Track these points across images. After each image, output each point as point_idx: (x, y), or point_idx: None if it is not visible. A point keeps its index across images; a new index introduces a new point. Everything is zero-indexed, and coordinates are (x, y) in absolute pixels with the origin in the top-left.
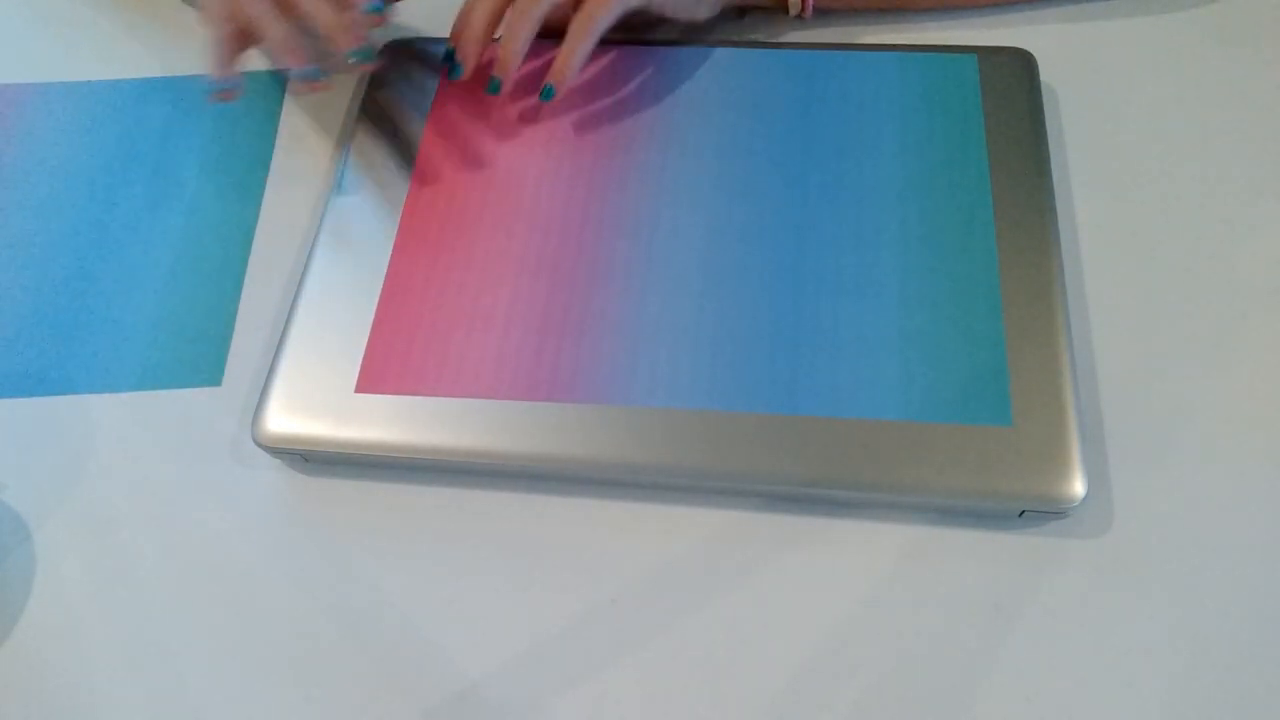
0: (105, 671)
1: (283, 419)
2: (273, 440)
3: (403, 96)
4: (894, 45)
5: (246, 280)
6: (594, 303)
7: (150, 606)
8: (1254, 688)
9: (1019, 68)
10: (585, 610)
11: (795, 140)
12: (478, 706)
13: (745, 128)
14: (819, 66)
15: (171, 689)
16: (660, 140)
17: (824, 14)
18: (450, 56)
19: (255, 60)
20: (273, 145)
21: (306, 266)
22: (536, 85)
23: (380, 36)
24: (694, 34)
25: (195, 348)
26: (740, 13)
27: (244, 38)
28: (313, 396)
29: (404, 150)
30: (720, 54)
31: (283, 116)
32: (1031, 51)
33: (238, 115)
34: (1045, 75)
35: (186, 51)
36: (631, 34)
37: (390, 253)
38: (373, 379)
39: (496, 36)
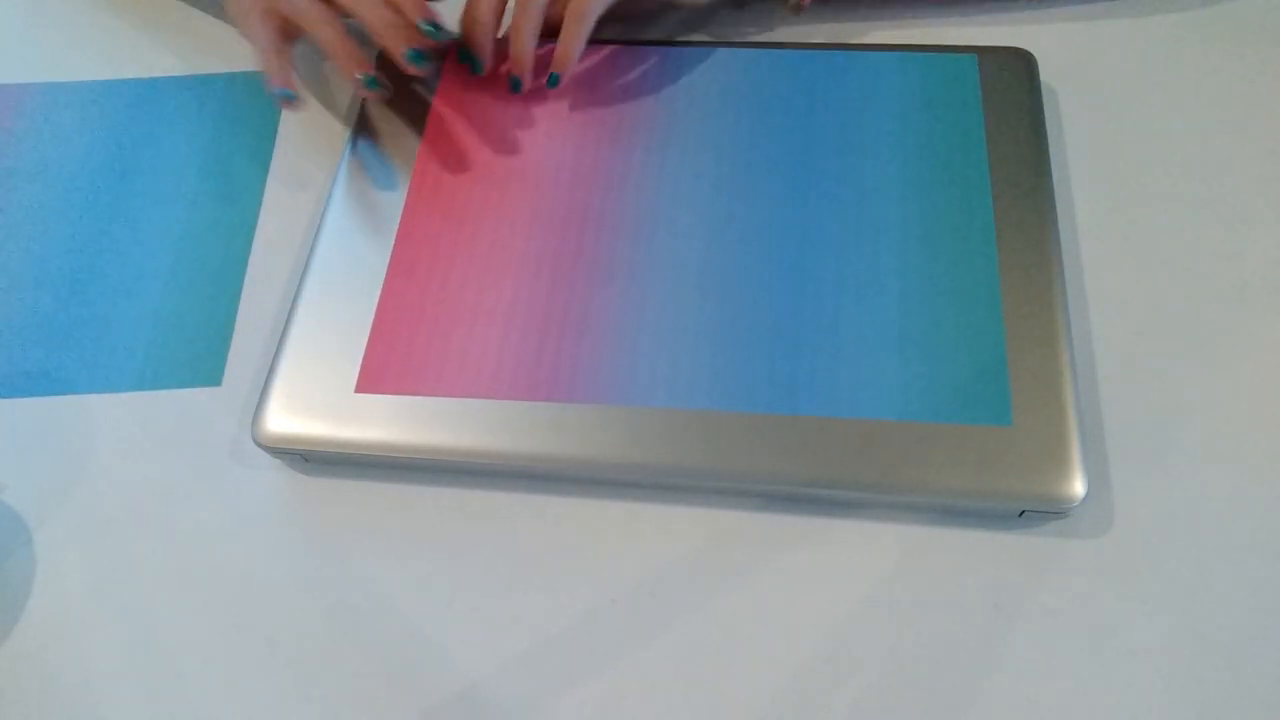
0: (105, 671)
1: (283, 419)
2: (273, 440)
3: (403, 96)
4: (894, 45)
5: (246, 280)
6: (594, 303)
7: (150, 606)
8: (1254, 688)
9: (1019, 68)
10: (585, 610)
11: (795, 140)
12: (478, 706)
13: (745, 128)
14: (819, 66)
15: (171, 689)
16: (660, 140)
17: (823, 3)
18: (467, 55)
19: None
20: (273, 145)
21: (306, 266)
22: (535, 87)
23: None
24: (694, 25)
25: (195, 348)
26: (738, 1)
27: (287, 33)
28: (313, 397)
29: (404, 150)
30: (720, 54)
31: (283, 116)
32: (1031, 51)
33: (238, 115)
34: (1045, 75)
35: (187, 51)
36: (633, 24)
37: (390, 252)
38: (373, 379)
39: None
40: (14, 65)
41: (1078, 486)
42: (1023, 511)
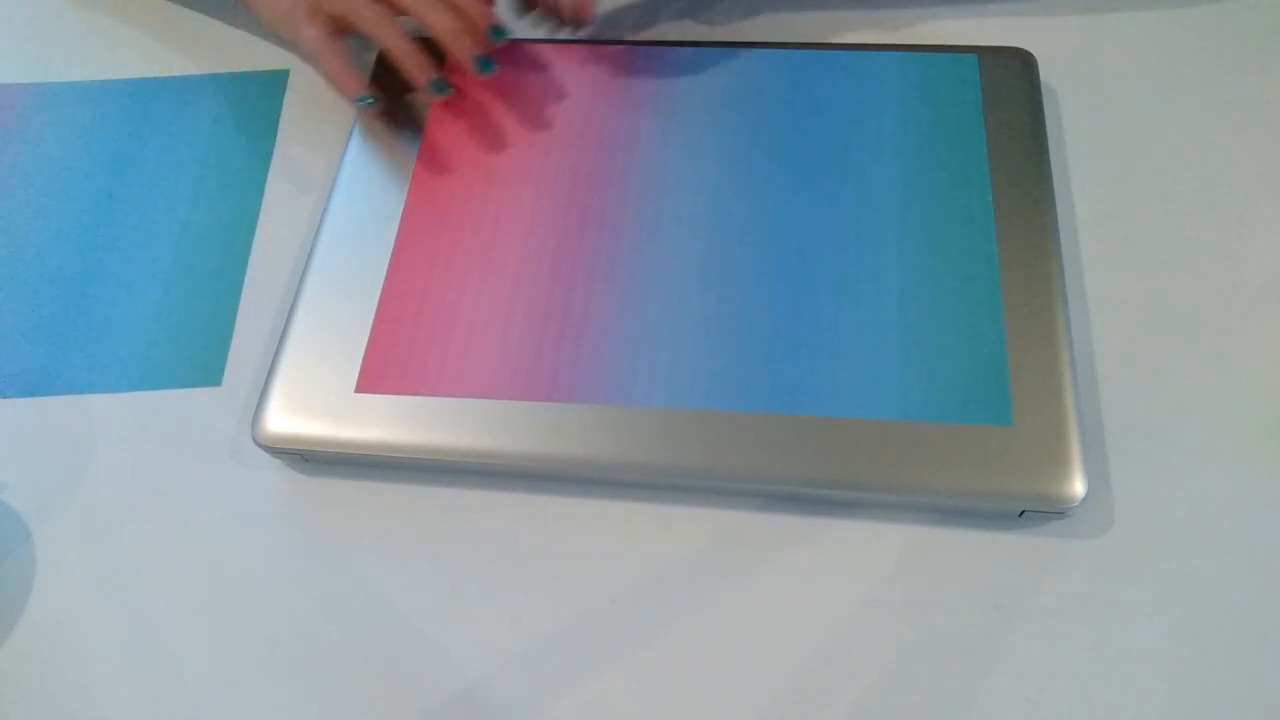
0: (105, 671)
1: (283, 419)
2: (273, 440)
3: (402, 96)
4: (894, 45)
5: (246, 280)
6: (594, 303)
7: (150, 606)
8: (1254, 687)
9: (1019, 68)
10: (585, 610)
11: (795, 140)
12: (478, 706)
13: (745, 127)
14: (819, 66)
15: (171, 689)
16: (660, 140)
17: None
18: (433, 85)
19: (255, 59)
20: (273, 145)
21: (306, 266)
22: (536, 86)
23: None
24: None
25: (195, 348)
26: None
27: (334, 32)
28: (313, 397)
29: (404, 150)
30: (720, 54)
31: (283, 116)
32: (1031, 51)
33: (238, 115)
34: (1045, 75)
35: (187, 51)
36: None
37: (390, 253)
38: (372, 379)
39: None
40: (14, 65)
41: (1078, 486)
42: (1023, 511)
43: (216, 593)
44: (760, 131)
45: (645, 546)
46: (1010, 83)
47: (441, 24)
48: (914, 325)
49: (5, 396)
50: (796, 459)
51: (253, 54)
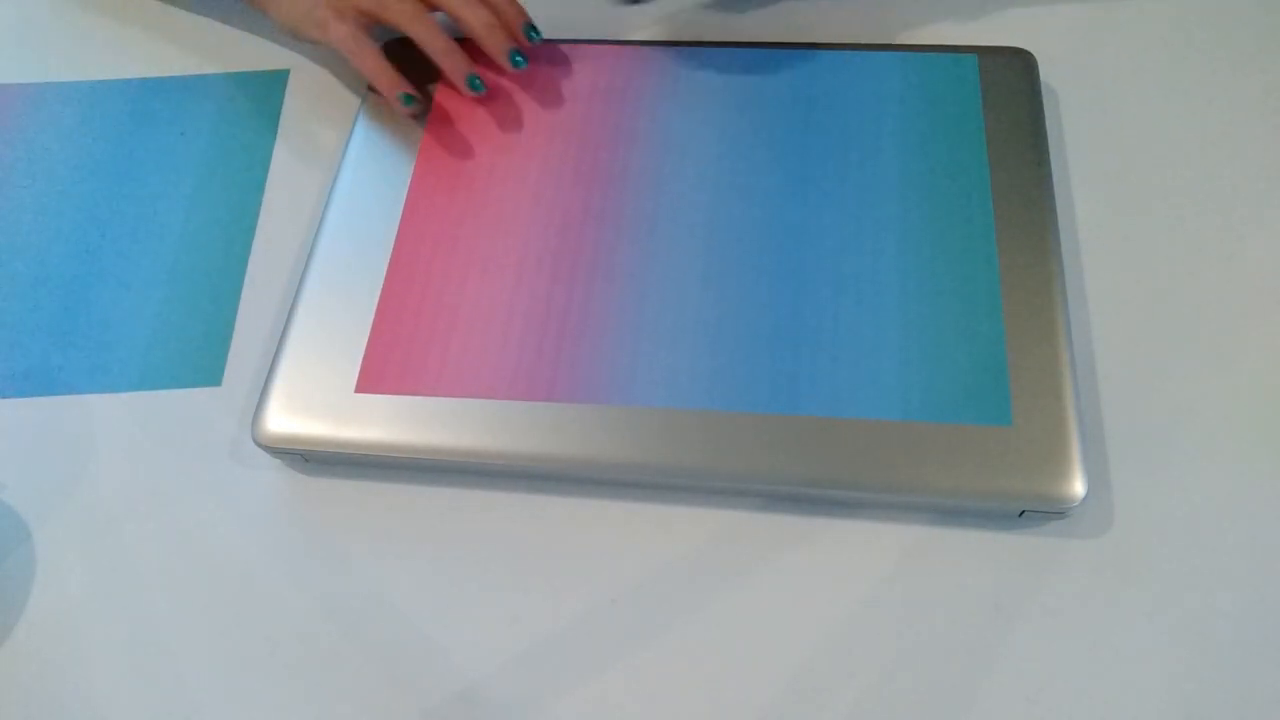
0: (105, 671)
1: (283, 419)
2: (273, 440)
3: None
4: (894, 45)
5: (246, 280)
6: (594, 303)
7: (150, 606)
8: (1254, 687)
9: (1019, 68)
10: (585, 610)
11: (796, 140)
12: (478, 706)
13: (745, 127)
14: (819, 66)
15: (171, 689)
16: (660, 140)
17: None
18: (471, 82)
19: (255, 59)
20: (273, 145)
21: (306, 267)
22: (536, 86)
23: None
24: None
25: (195, 348)
26: None
27: (368, 26)
28: (313, 397)
29: (404, 150)
30: (720, 54)
31: (283, 116)
32: (1031, 51)
33: (238, 115)
34: (1045, 75)
35: (187, 51)
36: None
37: (390, 253)
38: (373, 379)
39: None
40: (13, 65)
41: (1078, 486)
42: (1023, 511)
43: (216, 593)
44: (760, 131)
45: (645, 546)
46: (1010, 83)
47: (477, 19)
48: (914, 325)
49: (5, 396)
50: (796, 459)
51: (253, 54)
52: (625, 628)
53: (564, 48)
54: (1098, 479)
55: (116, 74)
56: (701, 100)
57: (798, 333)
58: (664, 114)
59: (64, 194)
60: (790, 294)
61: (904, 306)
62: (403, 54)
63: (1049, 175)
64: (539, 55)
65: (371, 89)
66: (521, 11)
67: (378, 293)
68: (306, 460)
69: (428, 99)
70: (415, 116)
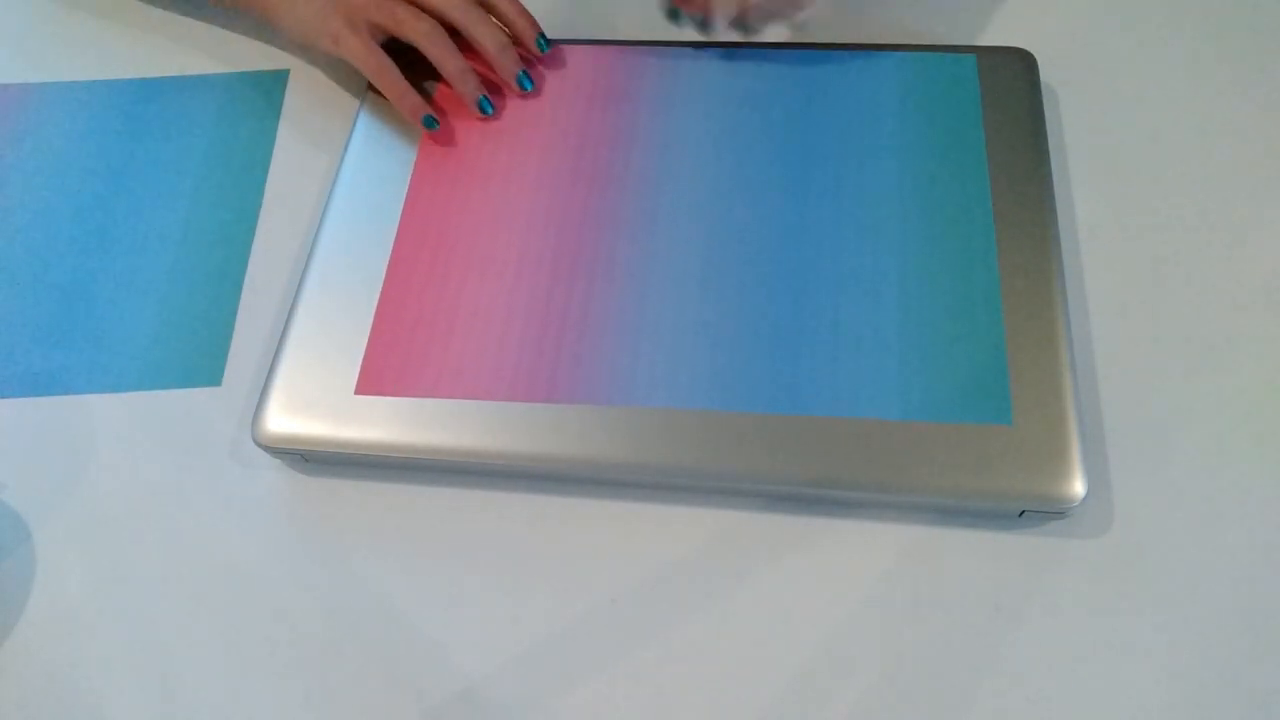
0: (105, 671)
1: (283, 419)
2: (273, 440)
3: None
4: (893, 45)
5: (246, 280)
6: (593, 304)
7: (150, 606)
8: (1254, 687)
9: (1019, 68)
10: (585, 610)
11: (795, 140)
12: (478, 706)
13: (745, 127)
14: (818, 67)
15: (171, 689)
16: (659, 140)
17: None
18: (483, 104)
19: (255, 59)
20: (273, 145)
21: (306, 267)
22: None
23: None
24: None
25: (195, 348)
26: None
27: (379, 38)
28: (312, 397)
29: (403, 151)
30: (720, 54)
31: (283, 116)
32: (1031, 51)
33: (238, 115)
34: (1045, 75)
35: (187, 51)
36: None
37: (389, 254)
38: (372, 381)
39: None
40: (14, 65)
41: (1078, 486)
42: (1023, 511)
43: (216, 593)
44: (760, 131)
45: (645, 546)
46: (1010, 83)
47: (492, 41)
48: (914, 324)
49: (5, 396)
50: (796, 459)
51: (253, 54)
52: (625, 628)
53: (564, 48)
54: (1098, 479)
55: (117, 74)
56: (700, 100)
57: (797, 332)
58: (663, 114)
59: (64, 194)
60: (789, 294)
61: (904, 306)
62: (398, 51)
63: (1049, 175)
64: (540, 56)
65: (372, 89)
66: (534, 24)
67: (377, 294)
68: (306, 460)
69: (427, 98)
70: (432, 130)
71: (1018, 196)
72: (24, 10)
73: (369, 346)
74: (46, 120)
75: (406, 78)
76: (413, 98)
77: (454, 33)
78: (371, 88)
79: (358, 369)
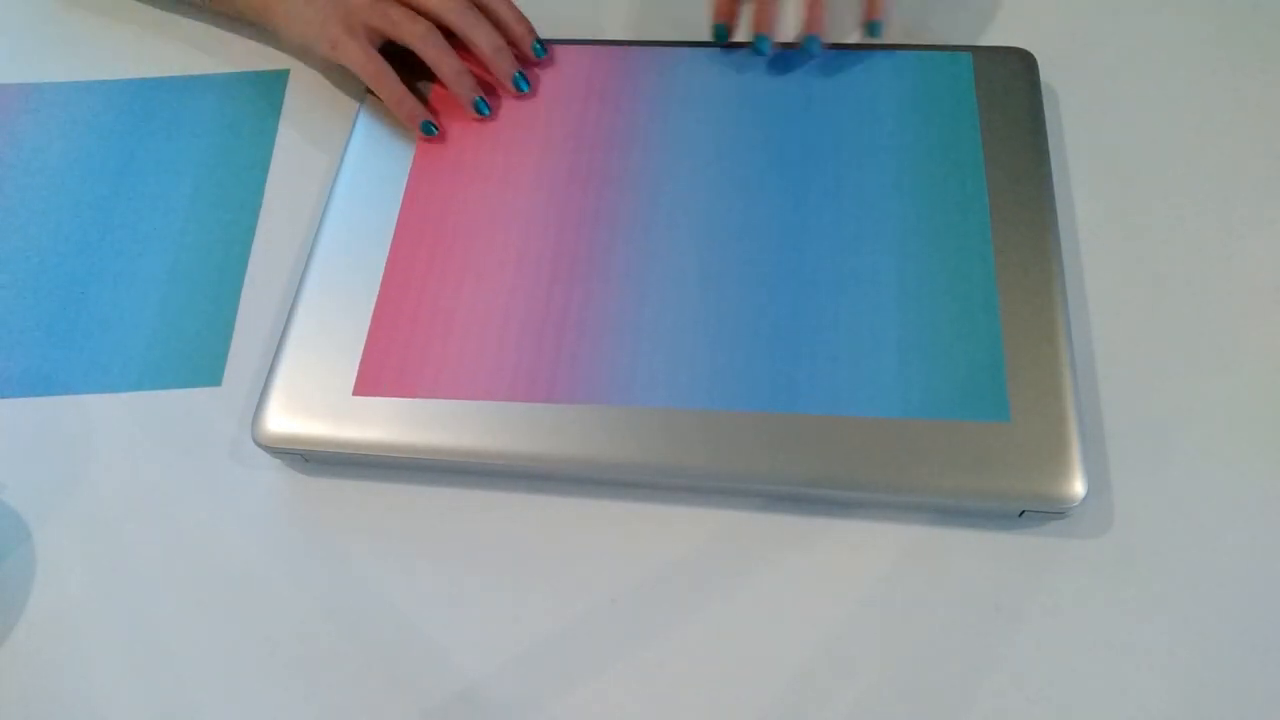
0: (105, 671)
1: (282, 419)
2: (272, 440)
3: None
4: (894, 45)
5: (246, 280)
6: (590, 303)
7: (150, 606)
8: (1254, 687)
9: (1019, 68)
10: (585, 610)
11: (792, 139)
12: (478, 706)
13: (742, 127)
14: (815, 66)
15: (171, 689)
16: (657, 140)
17: None
18: (479, 105)
19: (255, 59)
20: (273, 145)
21: (306, 267)
22: (534, 86)
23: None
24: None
25: (195, 348)
26: None
27: (376, 42)
28: (312, 397)
29: (403, 151)
30: (717, 54)
31: (283, 116)
32: (1031, 51)
33: (238, 115)
34: (1045, 75)
35: (187, 51)
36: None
37: (387, 255)
38: (371, 382)
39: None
40: (14, 65)
41: (1078, 486)
42: (1023, 511)
43: (216, 593)
44: (757, 131)
45: (645, 546)
46: (1010, 83)
47: (487, 42)
48: (910, 322)
49: (5, 396)
50: (795, 458)
51: (253, 54)
52: (625, 628)
53: (561, 48)
54: (1098, 479)
55: (117, 74)
56: (698, 100)
57: (794, 331)
58: (660, 114)
59: (64, 194)
60: (787, 292)
61: (901, 304)
62: (395, 54)
63: (1049, 174)
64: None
65: (371, 92)
66: (530, 29)
67: (375, 294)
68: (306, 460)
69: (423, 100)
70: (430, 135)
71: (1017, 195)
72: (24, 10)
73: (366, 347)
74: (47, 120)
75: (404, 81)
76: (410, 103)
77: (451, 36)
78: (370, 89)
79: (356, 370)
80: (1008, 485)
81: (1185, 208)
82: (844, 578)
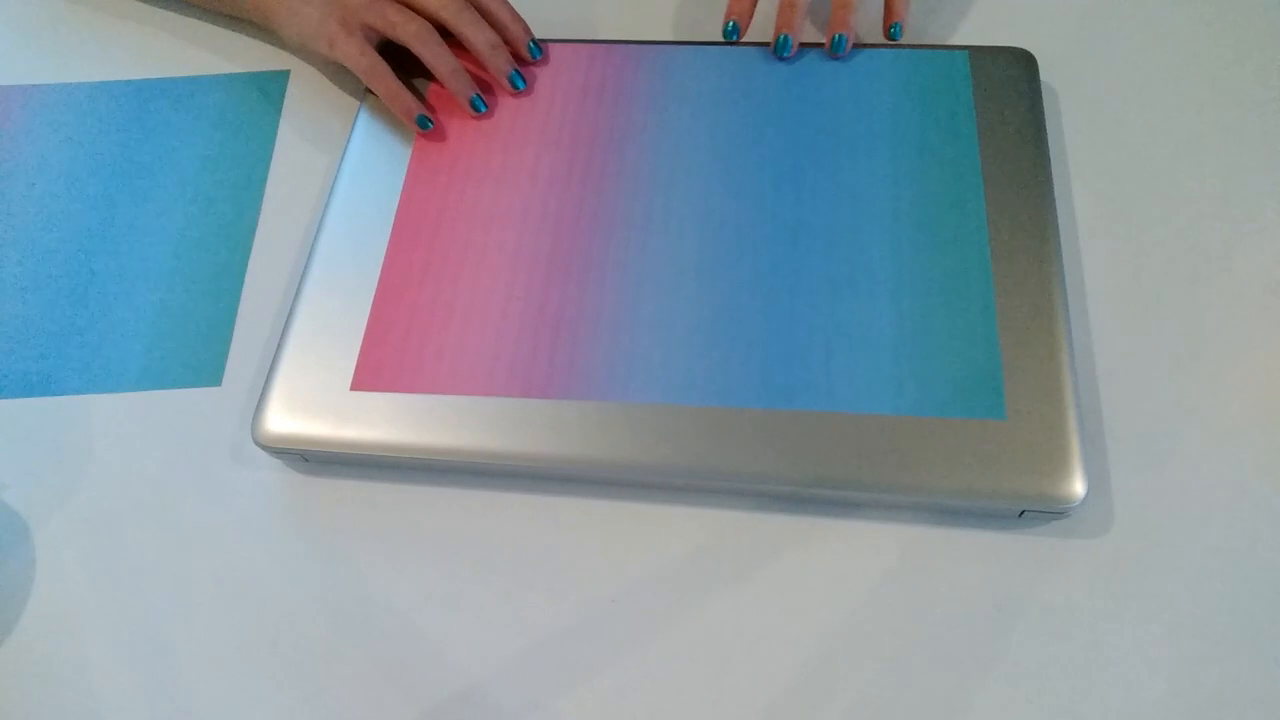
0: (105, 671)
1: (282, 419)
2: (272, 440)
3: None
4: (893, 45)
5: (246, 280)
6: (589, 299)
7: (150, 606)
8: (1253, 687)
9: (1019, 68)
10: (585, 610)
11: (790, 137)
12: (478, 706)
13: (739, 125)
14: (813, 64)
15: (171, 689)
16: (655, 137)
17: None
18: (475, 103)
19: (255, 59)
20: (273, 145)
21: (306, 267)
22: (532, 84)
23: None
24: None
25: (195, 348)
26: None
27: (374, 40)
28: (312, 396)
29: (401, 149)
30: (715, 52)
31: (283, 117)
32: (1031, 51)
33: (238, 115)
34: (1045, 75)
35: (187, 51)
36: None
37: (385, 250)
38: (368, 376)
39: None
40: (14, 65)
41: (1077, 486)
42: (1023, 511)
43: (216, 592)
44: (755, 128)
45: (645, 546)
46: (1010, 82)
47: (482, 40)
48: (907, 319)
49: (5, 396)
50: (793, 453)
51: (253, 54)
52: (625, 628)
53: (559, 47)
54: (1098, 479)
55: (117, 75)
56: (695, 98)
57: (792, 328)
58: (657, 111)
59: (64, 195)
60: (785, 290)
61: (897, 301)
62: (394, 53)
63: (1048, 173)
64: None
65: (371, 91)
66: (526, 30)
67: (373, 291)
68: (306, 460)
69: (421, 98)
70: (426, 130)
71: (1016, 194)
72: (24, 10)
73: (364, 342)
74: (47, 122)
75: (402, 80)
76: (405, 97)
77: (451, 38)
78: (369, 88)
79: (354, 365)
80: (1008, 484)
81: (1185, 208)
82: (845, 578)
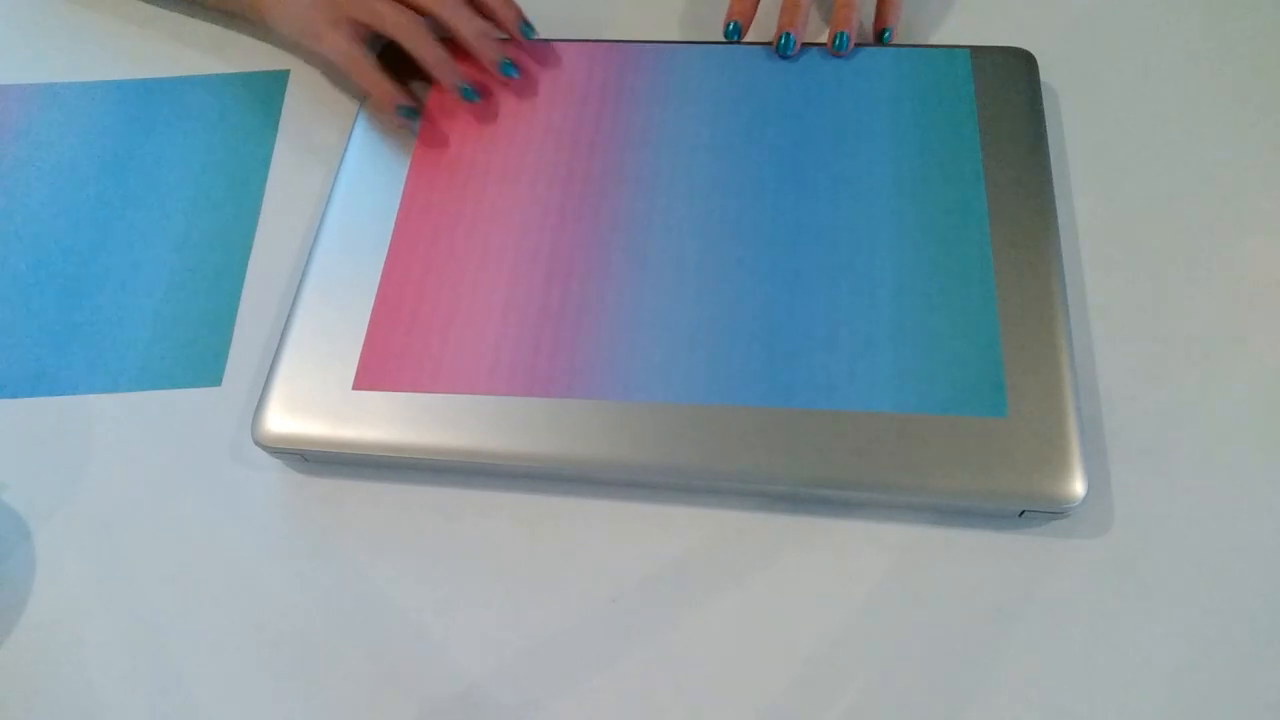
0: (105, 671)
1: (282, 419)
2: (272, 440)
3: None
4: (893, 44)
5: (246, 280)
6: (590, 298)
7: (150, 606)
8: (1254, 687)
9: (1019, 68)
10: (585, 610)
11: (791, 135)
12: (478, 706)
13: (740, 123)
14: (814, 63)
15: (171, 689)
16: (656, 136)
17: None
18: (465, 92)
19: (255, 59)
20: (273, 145)
21: (306, 267)
22: (532, 84)
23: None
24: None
25: (195, 348)
26: None
27: (363, 35)
28: (312, 396)
29: (402, 150)
30: (715, 51)
31: (283, 117)
32: (1032, 51)
33: (238, 115)
34: (1045, 75)
35: (187, 51)
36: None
37: (387, 249)
38: (370, 376)
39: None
40: (14, 65)
41: (1078, 486)
42: (1023, 511)
43: (216, 593)
44: (755, 127)
45: (645, 546)
46: (1010, 82)
47: (469, 29)
48: (907, 317)
49: (5, 396)
50: (793, 454)
51: (253, 54)
52: (625, 628)
53: (558, 46)
54: (1098, 479)
55: (116, 74)
56: (696, 97)
57: (793, 326)
58: (658, 111)
59: (64, 194)
60: (785, 288)
61: (898, 300)
62: (396, 55)
63: (1048, 173)
64: (534, 54)
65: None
66: (518, 11)
67: (374, 291)
68: (306, 460)
69: (420, 101)
70: (410, 120)
71: (1016, 193)
72: (24, 11)
73: (366, 341)
74: (47, 121)
75: (398, 78)
76: (385, 86)
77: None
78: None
79: (356, 365)
80: (1008, 484)
81: (1185, 208)
82: (845, 578)
